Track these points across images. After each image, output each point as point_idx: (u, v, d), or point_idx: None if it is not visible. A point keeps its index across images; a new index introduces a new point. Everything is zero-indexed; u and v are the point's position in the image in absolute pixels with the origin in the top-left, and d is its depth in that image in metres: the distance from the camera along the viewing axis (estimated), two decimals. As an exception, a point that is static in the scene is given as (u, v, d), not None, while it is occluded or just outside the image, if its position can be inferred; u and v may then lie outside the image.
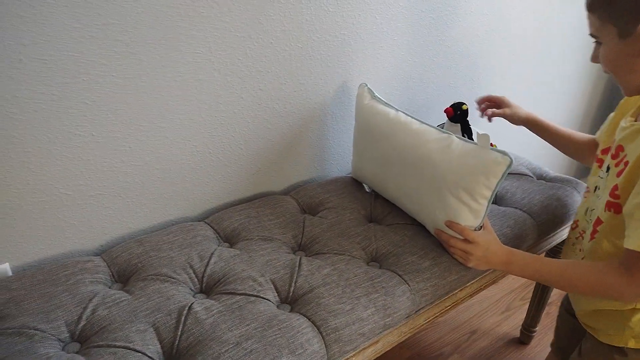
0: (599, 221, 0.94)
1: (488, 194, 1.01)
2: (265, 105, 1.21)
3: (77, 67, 0.92)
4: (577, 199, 1.37)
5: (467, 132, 1.28)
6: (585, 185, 1.40)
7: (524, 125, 1.31)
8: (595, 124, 2.48)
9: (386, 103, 1.24)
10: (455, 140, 1.06)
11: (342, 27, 1.25)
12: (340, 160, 1.46)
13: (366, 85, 1.29)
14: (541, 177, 1.47)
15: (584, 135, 1.22)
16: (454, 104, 1.27)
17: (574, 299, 1.05)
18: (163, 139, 1.08)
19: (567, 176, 1.46)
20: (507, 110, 1.31)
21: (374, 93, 1.28)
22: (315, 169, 1.41)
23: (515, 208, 1.28)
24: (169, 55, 1.01)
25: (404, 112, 1.20)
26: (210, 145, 1.16)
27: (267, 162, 1.29)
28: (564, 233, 1.44)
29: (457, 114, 1.27)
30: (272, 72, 1.18)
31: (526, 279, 2.00)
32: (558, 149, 1.28)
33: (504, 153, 0.98)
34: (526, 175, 1.44)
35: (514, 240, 1.20)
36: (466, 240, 1.03)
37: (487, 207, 1.03)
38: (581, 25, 1.94)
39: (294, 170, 1.36)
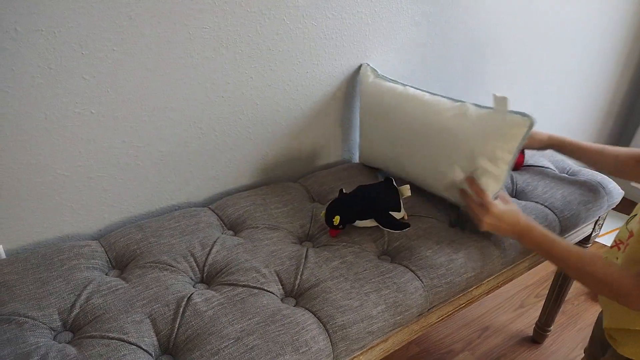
0: (631, 234, 0.88)
1: (509, 158, 0.99)
2: (275, 86, 1.15)
3: (77, 39, 0.86)
4: (601, 194, 1.30)
5: None
6: (610, 179, 1.34)
7: (549, 149, 1.24)
8: (617, 120, 2.39)
9: (392, 80, 1.20)
10: (470, 106, 1.04)
11: (359, 3, 1.18)
12: (354, 147, 1.40)
13: (368, 65, 1.25)
14: (564, 171, 1.39)
15: (628, 150, 1.13)
16: None
17: (606, 312, 1.00)
18: (167, 120, 1.03)
19: (592, 170, 1.38)
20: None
21: (377, 72, 1.23)
22: (327, 155, 1.35)
23: (537, 202, 1.21)
24: (174, 30, 0.95)
25: (411, 86, 1.16)
26: (217, 127, 1.11)
27: (276, 147, 1.23)
28: (586, 230, 1.38)
29: None
30: (283, 51, 1.12)
31: (541, 277, 1.94)
32: (593, 168, 1.19)
33: (523, 114, 0.95)
34: (548, 168, 1.37)
35: (534, 236, 1.13)
36: (481, 206, 1.00)
37: (508, 172, 1.01)
38: (604, 18, 1.85)
39: (304, 156, 1.30)
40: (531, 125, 0.96)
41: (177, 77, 1.00)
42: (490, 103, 1.03)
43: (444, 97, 1.10)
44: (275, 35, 1.09)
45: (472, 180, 1.02)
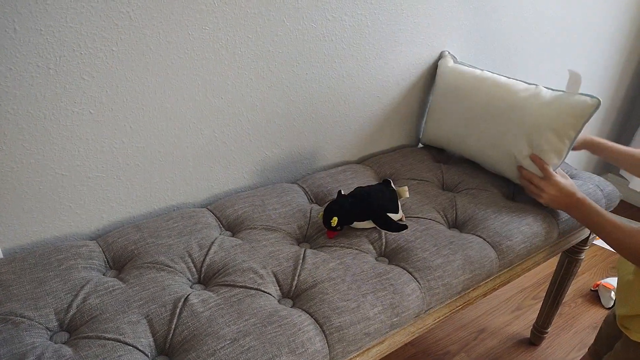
0: None
1: (573, 134, 1.12)
2: (275, 88, 1.15)
3: (76, 39, 0.86)
4: (599, 197, 1.30)
5: None
6: (608, 182, 1.35)
7: (584, 149, 1.29)
8: (618, 120, 2.39)
9: (470, 65, 1.34)
10: (543, 88, 1.17)
11: (359, 7, 1.18)
12: (352, 149, 1.40)
13: (448, 52, 1.40)
14: (562, 174, 1.40)
15: None
16: None
17: (620, 303, 1.04)
18: (166, 120, 1.03)
19: (590, 173, 1.39)
20: None
21: (456, 58, 1.38)
22: (325, 156, 1.35)
23: (534, 205, 1.22)
24: (174, 31, 0.95)
25: (488, 70, 1.29)
26: (216, 128, 1.11)
27: (275, 148, 1.23)
28: (584, 233, 1.38)
29: None
30: (283, 53, 1.12)
31: (539, 279, 1.94)
32: (628, 171, 1.23)
33: (591, 96, 1.09)
34: (546, 171, 1.37)
35: (532, 238, 1.14)
36: (543, 178, 1.13)
37: (570, 147, 1.14)
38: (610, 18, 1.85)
39: (302, 158, 1.30)
40: (598, 105, 1.08)
41: (177, 77, 1.00)
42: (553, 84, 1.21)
43: (519, 80, 1.23)
44: (274, 37, 1.09)
45: (535, 156, 1.15)
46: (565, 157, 1.16)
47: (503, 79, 1.24)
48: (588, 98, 1.09)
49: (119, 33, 0.90)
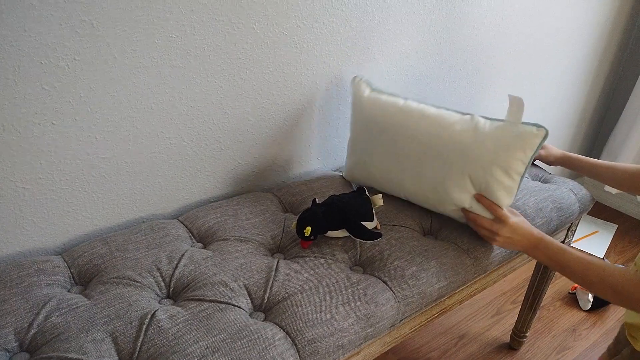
0: None
1: (522, 169, 0.99)
2: (246, 95, 1.13)
3: (35, 48, 0.83)
4: (573, 202, 1.31)
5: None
6: (582, 186, 1.35)
7: (559, 165, 1.29)
8: (591, 126, 2.42)
9: (390, 93, 1.16)
10: (480, 119, 1.03)
11: (330, 13, 1.17)
12: (327, 157, 1.38)
13: (361, 78, 1.20)
14: (536, 178, 1.40)
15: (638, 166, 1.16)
16: None
17: (628, 312, 1.01)
18: (133, 130, 1.00)
19: (564, 178, 1.39)
20: (542, 152, 1.31)
21: (372, 84, 1.19)
22: (299, 164, 1.33)
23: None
24: (139, 39, 0.93)
25: (412, 99, 1.12)
26: (185, 137, 1.08)
27: (248, 156, 1.21)
28: (559, 237, 1.38)
29: None
30: (254, 60, 1.10)
31: (518, 283, 1.94)
32: (605, 183, 1.23)
33: (537, 125, 0.97)
34: (521, 175, 1.38)
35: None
36: (495, 220, 1.01)
37: (520, 183, 1.01)
38: (578, 24, 1.87)
39: (276, 166, 1.29)
40: (545, 136, 0.96)
41: (143, 86, 0.97)
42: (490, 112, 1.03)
43: (449, 109, 1.08)
44: (245, 44, 1.07)
45: (480, 195, 1.02)
46: (516, 194, 1.03)
47: (432, 109, 1.07)
48: (534, 128, 0.96)
49: (81, 42, 0.87)
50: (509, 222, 1.00)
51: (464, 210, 1.06)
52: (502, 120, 1.01)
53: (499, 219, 1.01)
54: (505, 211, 1.01)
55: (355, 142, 1.20)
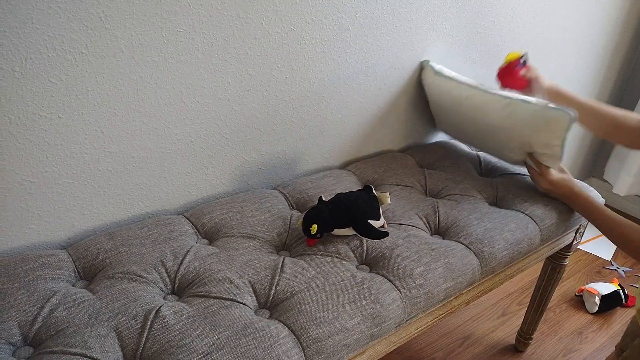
0: None
1: (559, 142, 1.14)
2: (254, 91, 1.12)
3: (43, 41, 0.83)
4: (582, 203, 1.29)
5: None
6: (591, 187, 1.34)
7: (549, 97, 1.32)
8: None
9: (448, 77, 1.34)
10: (517, 103, 1.18)
11: (339, 10, 1.16)
12: (334, 154, 1.37)
13: (428, 62, 1.39)
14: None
15: (634, 116, 1.22)
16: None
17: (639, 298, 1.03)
18: (140, 125, 1.00)
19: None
20: (532, 73, 1.35)
21: (435, 69, 1.37)
22: (306, 162, 1.33)
23: (517, 211, 1.20)
24: (147, 33, 0.92)
25: (466, 83, 1.29)
26: (192, 133, 1.08)
27: (254, 153, 1.21)
28: (567, 239, 1.37)
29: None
30: (262, 56, 1.09)
31: (524, 285, 1.93)
32: (587, 127, 1.29)
33: (564, 110, 1.11)
34: (528, 175, 1.36)
35: (515, 245, 1.12)
36: (540, 174, 1.22)
37: (562, 149, 1.16)
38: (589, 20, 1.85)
39: (283, 163, 1.28)
40: (572, 120, 1.10)
41: (150, 80, 0.97)
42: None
43: (491, 92, 1.23)
44: (253, 40, 1.06)
45: (531, 155, 1.22)
46: (562, 157, 1.18)
47: (478, 98, 1.25)
48: (561, 112, 1.11)
49: (89, 35, 0.87)
50: (549, 178, 1.20)
51: (525, 163, 1.28)
52: (535, 102, 1.15)
53: (543, 174, 1.21)
54: (546, 168, 1.20)
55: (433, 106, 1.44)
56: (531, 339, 1.62)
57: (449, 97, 1.32)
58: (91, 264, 0.91)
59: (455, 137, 1.50)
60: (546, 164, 1.20)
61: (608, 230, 1.13)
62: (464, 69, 1.56)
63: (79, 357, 0.72)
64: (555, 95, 1.31)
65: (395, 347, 1.00)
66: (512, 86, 1.34)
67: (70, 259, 0.92)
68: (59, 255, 0.92)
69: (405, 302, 0.93)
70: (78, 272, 0.91)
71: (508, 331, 1.70)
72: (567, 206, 1.25)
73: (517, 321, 1.74)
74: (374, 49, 1.28)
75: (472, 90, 1.27)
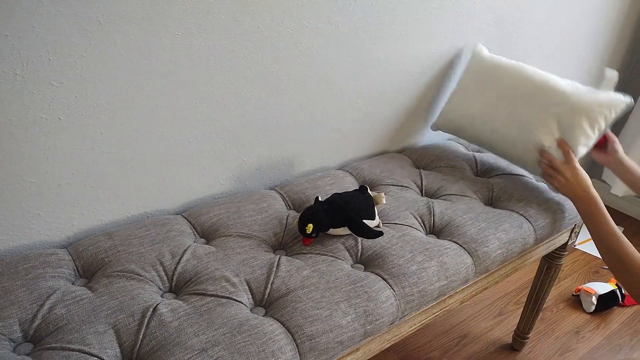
0: None
1: (603, 126, 1.18)
2: (251, 94, 1.14)
3: (43, 45, 0.85)
4: (577, 203, 1.31)
5: None
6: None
7: (615, 162, 1.29)
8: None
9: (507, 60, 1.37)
10: (579, 84, 1.24)
11: (335, 14, 1.17)
12: (331, 155, 1.39)
13: (483, 46, 1.44)
14: (541, 180, 1.40)
15: None
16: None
17: None
18: (138, 126, 1.02)
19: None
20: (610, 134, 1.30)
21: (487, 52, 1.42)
22: (303, 162, 1.34)
23: (512, 211, 1.22)
24: (146, 37, 0.94)
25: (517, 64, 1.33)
26: (190, 134, 1.10)
27: (252, 154, 1.22)
28: (562, 238, 1.38)
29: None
30: (258, 59, 1.11)
31: (521, 284, 1.94)
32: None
33: (624, 94, 1.18)
34: (524, 175, 1.38)
35: (509, 244, 1.14)
36: (564, 163, 1.17)
37: (596, 139, 1.20)
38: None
39: (280, 164, 1.30)
40: (630, 105, 1.17)
41: (149, 83, 0.99)
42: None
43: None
44: (249, 43, 1.08)
45: (563, 141, 1.18)
46: (591, 148, 1.21)
47: (541, 71, 1.30)
48: (621, 96, 1.18)
49: (89, 39, 0.89)
50: (576, 168, 1.15)
51: (541, 150, 1.22)
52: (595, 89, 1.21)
53: (569, 163, 1.16)
54: (576, 160, 1.17)
55: (460, 91, 1.41)
56: (527, 338, 1.63)
57: (506, 66, 1.33)
58: (90, 262, 0.93)
59: (458, 133, 1.43)
60: (574, 150, 1.18)
61: (605, 247, 1.08)
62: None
63: (77, 353, 0.74)
64: (621, 165, 1.27)
65: (389, 345, 1.01)
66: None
67: (70, 257, 0.94)
68: (59, 254, 0.94)
69: (398, 300, 0.94)
70: (78, 270, 0.93)
71: (505, 330, 1.72)
72: (561, 206, 1.27)
73: (513, 320, 1.75)
74: (370, 52, 1.30)
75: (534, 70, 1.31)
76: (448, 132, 1.46)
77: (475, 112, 1.35)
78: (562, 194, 1.19)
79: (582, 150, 1.19)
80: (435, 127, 1.49)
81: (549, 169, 1.19)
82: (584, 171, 1.16)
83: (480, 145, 1.39)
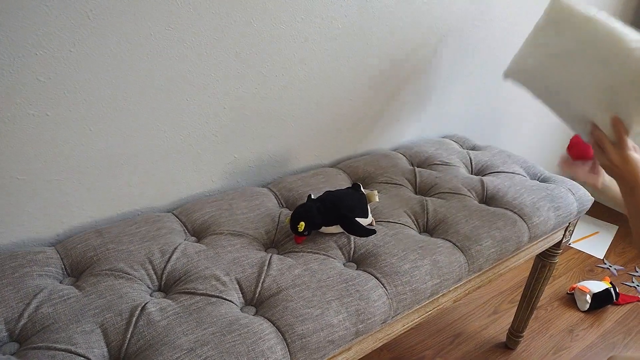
0: None
1: None
2: (243, 89, 1.13)
3: (31, 39, 0.83)
4: (571, 201, 1.30)
5: None
6: (580, 185, 1.33)
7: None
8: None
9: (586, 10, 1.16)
10: None
11: (329, 8, 1.16)
12: (325, 152, 1.38)
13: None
14: (535, 177, 1.40)
15: None
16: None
17: None
18: (128, 122, 1.00)
19: (563, 177, 1.39)
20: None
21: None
22: (297, 159, 1.33)
23: (506, 209, 1.21)
24: (135, 31, 0.93)
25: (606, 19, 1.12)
26: (182, 131, 1.08)
27: (245, 151, 1.21)
28: (557, 236, 1.38)
29: None
30: (252, 54, 1.10)
31: (516, 282, 1.94)
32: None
33: None
34: (518, 174, 1.37)
35: (502, 242, 1.13)
36: (616, 145, 1.04)
37: None
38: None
39: (273, 161, 1.29)
40: None
41: (139, 78, 0.97)
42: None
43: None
44: (242, 38, 1.07)
45: (618, 120, 1.05)
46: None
47: (617, 26, 1.09)
48: None
49: (77, 33, 0.87)
50: (626, 151, 1.03)
51: (592, 125, 1.08)
52: None
53: (620, 144, 1.03)
54: (629, 142, 1.04)
55: (534, 40, 1.21)
56: (522, 337, 1.63)
57: (581, 19, 1.13)
58: (79, 261, 0.92)
59: (530, 75, 1.24)
60: (628, 130, 1.04)
61: None
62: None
63: (63, 352, 0.72)
64: (608, 189, 1.19)
65: (382, 344, 1.00)
66: (584, 156, 1.21)
67: (59, 256, 0.93)
68: (47, 252, 0.92)
69: (391, 298, 0.94)
70: (66, 269, 0.91)
71: (499, 329, 1.71)
72: (556, 204, 1.26)
73: (508, 319, 1.75)
74: (365, 48, 1.29)
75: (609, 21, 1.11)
76: (519, 83, 1.25)
77: (541, 64, 1.19)
78: (607, 174, 1.10)
79: (637, 129, 1.05)
80: (506, 76, 1.28)
81: (598, 148, 1.07)
82: (636, 152, 1.05)
83: (548, 105, 1.22)
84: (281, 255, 0.99)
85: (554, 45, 1.18)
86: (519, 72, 1.26)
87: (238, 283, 0.90)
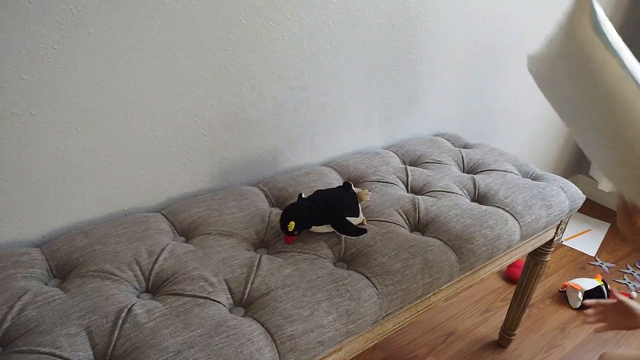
0: None
1: None
2: (232, 88, 1.12)
3: (13, 37, 0.82)
4: (563, 200, 1.30)
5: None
6: (572, 183, 1.33)
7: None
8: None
9: (609, 43, 0.87)
10: None
11: (319, 6, 1.15)
12: (316, 151, 1.37)
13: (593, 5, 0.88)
14: (527, 175, 1.39)
15: None
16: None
17: None
18: (115, 121, 0.99)
19: (555, 175, 1.38)
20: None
21: (599, 22, 0.87)
22: (287, 158, 1.32)
23: (497, 207, 1.20)
24: (121, 28, 0.91)
25: (623, 62, 0.85)
26: (170, 130, 1.07)
27: (234, 150, 1.20)
28: (548, 234, 1.38)
29: None
30: (240, 52, 1.09)
31: (506, 279, 1.94)
32: None
33: None
34: (510, 172, 1.37)
35: (494, 241, 1.12)
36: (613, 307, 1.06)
37: None
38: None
39: (263, 160, 1.27)
40: None
41: (126, 77, 0.96)
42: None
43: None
44: (230, 35, 1.05)
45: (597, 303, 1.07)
46: None
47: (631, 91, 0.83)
48: None
49: (61, 31, 0.86)
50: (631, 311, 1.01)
51: (621, 197, 0.94)
52: None
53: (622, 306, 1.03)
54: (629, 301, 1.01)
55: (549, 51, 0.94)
56: (514, 335, 1.63)
57: (600, 68, 0.85)
58: (65, 262, 0.90)
59: (545, 85, 0.97)
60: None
61: None
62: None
63: (47, 356, 0.71)
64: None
65: (373, 344, 0.99)
66: None
67: (44, 257, 0.91)
68: (31, 253, 0.91)
69: (381, 298, 0.93)
70: (51, 270, 0.90)
71: (491, 327, 1.71)
72: (548, 203, 1.26)
73: (500, 317, 1.75)
74: (356, 46, 1.28)
75: (624, 73, 0.84)
76: (536, 81, 0.99)
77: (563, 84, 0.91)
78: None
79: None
80: (529, 66, 0.99)
81: (623, 215, 0.95)
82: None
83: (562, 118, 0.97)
84: (271, 255, 0.98)
85: (567, 88, 0.90)
86: (541, 71, 0.97)
87: (227, 284, 0.89)
